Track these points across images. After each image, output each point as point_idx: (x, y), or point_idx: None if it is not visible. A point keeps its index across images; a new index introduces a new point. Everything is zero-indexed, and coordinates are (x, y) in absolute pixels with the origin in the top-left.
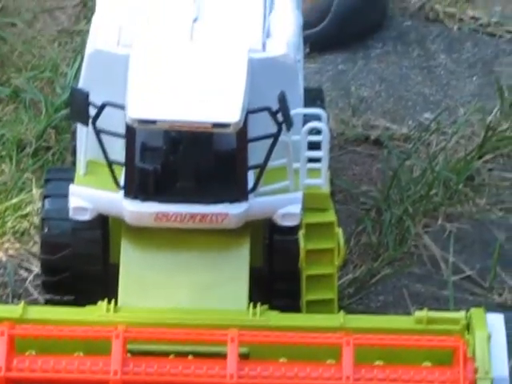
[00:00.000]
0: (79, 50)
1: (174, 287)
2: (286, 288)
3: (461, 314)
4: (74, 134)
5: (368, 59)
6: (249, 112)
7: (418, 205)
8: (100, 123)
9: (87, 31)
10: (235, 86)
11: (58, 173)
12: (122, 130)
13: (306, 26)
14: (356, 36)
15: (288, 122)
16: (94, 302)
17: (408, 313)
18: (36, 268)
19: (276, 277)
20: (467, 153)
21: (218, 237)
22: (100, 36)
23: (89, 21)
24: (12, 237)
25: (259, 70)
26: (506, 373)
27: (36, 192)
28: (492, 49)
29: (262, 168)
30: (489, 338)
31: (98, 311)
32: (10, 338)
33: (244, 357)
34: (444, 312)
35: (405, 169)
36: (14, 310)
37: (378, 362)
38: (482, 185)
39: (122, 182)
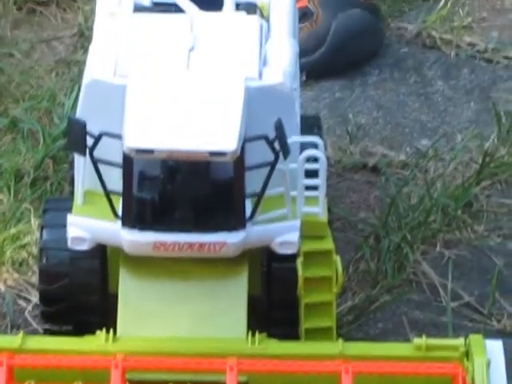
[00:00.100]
0: (76, 80)
1: (172, 316)
2: (285, 316)
3: (460, 341)
4: (71, 163)
5: (365, 86)
6: (246, 140)
7: (416, 231)
8: (97, 153)
9: (84, 61)
10: (232, 115)
11: (55, 203)
12: (119, 160)
13: (303, 53)
14: (352, 64)
15: (285, 150)
16: (93, 332)
17: (407, 340)
18: (35, 298)
19: (274, 305)
20: (465, 179)
21: (216, 265)
22: (97, 66)
23: (86, 51)
24: (11, 267)
25: (256, 99)
26: None
27: (34, 222)
28: (489, 75)
29: (259, 196)
30: (488, 364)
31: (97, 341)
32: (9, 368)
33: None
34: (443, 339)
35: (403, 196)
36: (13, 340)
37: None
38: (481, 211)
39: (119, 211)
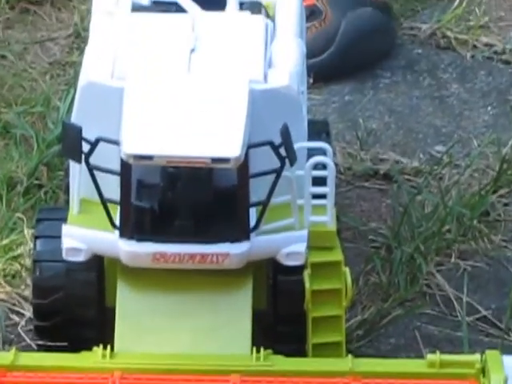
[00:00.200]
0: (72, 83)
1: (172, 331)
2: (291, 331)
3: (476, 357)
4: (66, 171)
5: (376, 89)
6: (250, 146)
7: (429, 242)
8: (94, 159)
9: (80, 63)
10: (235, 119)
11: (50, 212)
12: (116, 167)
13: (310, 54)
14: (363, 65)
15: (291, 156)
16: (89, 348)
17: (420, 356)
18: (28, 312)
19: (280, 319)
20: (481, 187)
21: (218, 278)
22: (93, 68)
23: (82, 52)
24: (3, 280)
25: (261, 102)
26: None
27: (27, 232)
28: (507, 77)
29: (264, 205)
30: (505, 381)
31: (94, 357)
32: None
33: None
34: (458, 355)
35: (416, 204)
36: (5, 357)
37: None
38: (498, 220)
39: (117, 221)
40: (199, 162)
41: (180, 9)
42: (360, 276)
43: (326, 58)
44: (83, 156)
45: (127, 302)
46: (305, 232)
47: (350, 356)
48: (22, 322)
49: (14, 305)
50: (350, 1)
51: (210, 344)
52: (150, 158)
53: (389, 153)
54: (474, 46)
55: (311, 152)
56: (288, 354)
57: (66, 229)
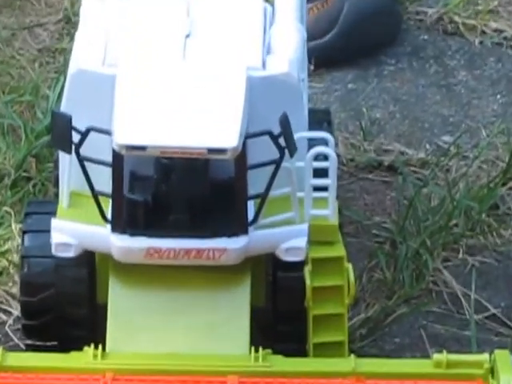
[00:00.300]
0: (62, 71)
1: (167, 330)
2: (291, 330)
3: (484, 357)
4: (56, 162)
5: (380, 77)
6: (248, 136)
7: (436, 237)
8: (84, 150)
9: (70, 49)
10: (232, 108)
11: (39, 206)
12: (108, 158)
13: (312, 37)
14: (366, 50)
15: (291, 146)
16: (80, 348)
17: (426, 356)
18: (16, 311)
19: (280, 317)
20: (490, 179)
21: (215, 274)
22: (84, 55)
23: (72, 38)
24: None
25: (259, 90)
26: None
27: (15, 227)
28: None
29: (263, 198)
30: None
31: (84, 358)
32: None
33: None
34: (466, 354)
35: (422, 197)
36: None
37: None
38: (507, 214)
39: (109, 214)
40: (195, 152)
41: None
42: (363, 272)
43: (328, 41)
44: (73, 146)
45: (119, 300)
46: (305, 226)
47: (352, 356)
48: (10, 321)
49: (1, 303)
50: None
51: (206, 343)
52: (143, 148)
53: (393, 143)
54: (483, 32)
55: (312, 142)
56: (288, 354)
57: (55, 223)
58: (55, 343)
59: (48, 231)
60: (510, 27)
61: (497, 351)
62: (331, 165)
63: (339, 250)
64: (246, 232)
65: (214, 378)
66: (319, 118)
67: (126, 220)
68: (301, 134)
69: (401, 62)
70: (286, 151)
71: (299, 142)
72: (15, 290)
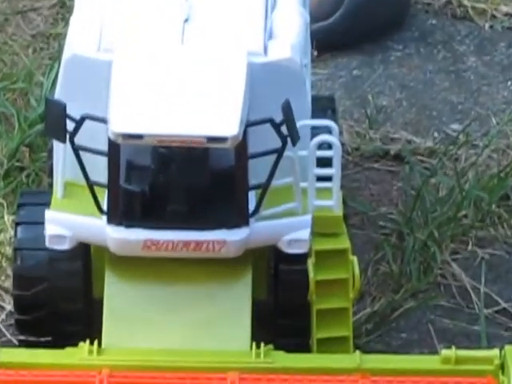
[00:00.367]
0: (56, 57)
1: (165, 325)
2: (294, 325)
3: (494, 353)
4: (50, 152)
5: (387, 63)
6: (249, 124)
7: (444, 228)
8: (79, 139)
9: (65, 35)
10: (233, 95)
11: (32, 196)
12: (104, 147)
13: (315, 19)
14: (372, 35)
15: (294, 135)
16: (75, 344)
17: (434, 352)
18: (9, 305)
19: (282, 312)
20: (501, 168)
21: (215, 267)
22: (79, 40)
23: (67, 23)
24: None
25: (260, 76)
26: None
27: (8, 219)
28: None
29: (264, 188)
30: None
31: (80, 353)
32: None
33: None
34: (475, 350)
35: (429, 187)
36: None
37: None
38: None
39: (104, 205)
40: (193, 141)
41: None
42: (369, 265)
43: (332, 23)
44: (68, 135)
45: (116, 294)
46: (308, 217)
47: (357, 352)
48: (3, 316)
49: None
50: None
51: (206, 339)
52: (139, 137)
53: (400, 132)
54: (493, 16)
55: (315, 131)
56: (290, 350)
57: (49, 214)
58: (49, 339)
59: (42, 223)
60: None
61: (507, 347)
62: (335, 154)
63: (344, 242)
64: (246, 223)
65: (214, 375)
66: (323, 106)
67: (122, 211)
68: (304, 122)
69: (408, 47)
70: (289, 140)
71: (302, 130)
72: (8, 284)
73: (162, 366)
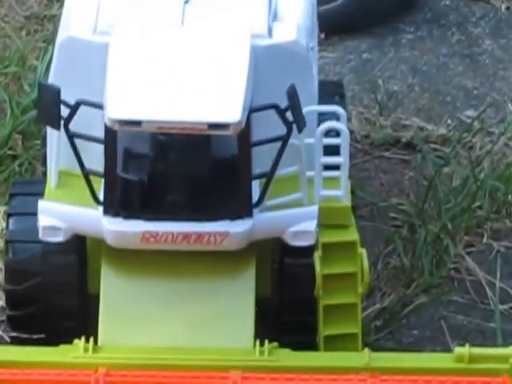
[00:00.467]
0: (51, 39)
1: (164, 322)
2: (300, 321)
3: (510, 351)
4: (44, 139)
5: (398, 46)
6: (252, 110)
7: (458, 220)
8: (74, 126)
9: (60, 16)
10: (235, 80)
11: (25, 186)
12: (100, 134)
13: (321, 2)
14: (382, 17)
15: (299, 121)
16: (70, 341)
17: (447, 349)
18: (0, 300)
19: (287, 308)
20: None
21: (217, 261)
22: (74, 21)
23: (62, 4)
24: None
25: (264, 60)
26: None
27: None
28: None
29: (269, 177)
30: None
31: (74, 351)
32: None
33: None
34: (490, 348)
35: (442, 177)
36: None
37: None
38: None
39: (101, 196)
40: (194, 128)
41: None
42: (378, 259)
43: (341, 4)
44: (62, 122)
45: (113, 289)
46: (315, 208)
47: (366, 350)
48: None
49: None
50: None
51: (207, 336)
52: (137, 123)
53: (412, 118)
54: None
55: (322, 117)
56: (296, 348)
57: (42, 205)
58: (42, 336)
59: (35, 214)
60: None
61: None
62: (343, 141)
63: (352, 234)
64: (250, 214)
65: (216, 374)
66: (331, 91)
67: (119, 202)
68: (310, 108)
69: (420, 29)
70: (294, 126)
71: (308, 117)
72: None
73: (162, 364)
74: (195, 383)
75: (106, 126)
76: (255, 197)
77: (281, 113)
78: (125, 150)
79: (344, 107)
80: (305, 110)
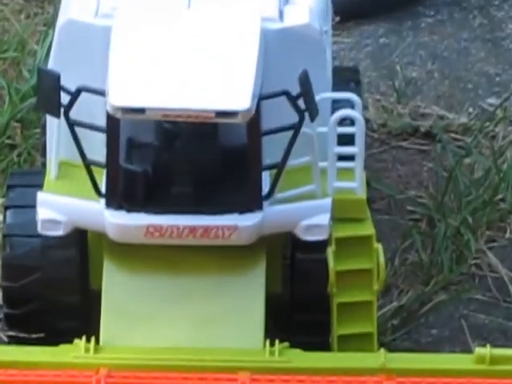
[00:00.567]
0: (51, 23)
1: (169, 320)
2: (312, 320)
3: None
4: (44, 128)
5: (417, 30)
6: (262, 97)
7: (480, 214)
8: (75, 113)
9: None
10: (245, 65)
11: (23, 177)
12: (102, 122)
13: None
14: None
15: (312, 109)
16: (70, 341)
17: (467, 350)
18: None
19: (299, 306)
20: None
21: (225, 256)
22: (75, 3)
23: None
24: None
25: (275, 44)
26: None
27: None
28: None
29: (280, 168)
30: None
31: (75, 351)
32: None
33: None
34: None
35: (463, 168)
36: None
37: None
38: None
39: (103, 187)
40: (201, 115)
41: None
42: (396, 254)
43: None
44: (62, 109)
45: (115, 286)
46: (328, 201)
47: (382, 350)
48: None
49: None
50: None
51: (214, 336)
52: (141, 111)
53: (432, 107)
54: None
55: (337, 105)
56: (308, 348)
57: (41, 197)
58: (41, 335)
59: (33, 206)
60: None
61: None
62: (358, 130)
63: (367, 228)
64: (260, 207)
65: (223, 375)
66: (346, 77)
67: (122, 194)
68: (323, 95)
69: (440, 13)
70: (307, 114)
71: (321, 104)
72: None
73: (166, 365)
74: None
75: (108, 114)
76: (265, 189)
77: (292, 100)
78: (128, 139)
79: (360, 94)
80: (318, 97)
